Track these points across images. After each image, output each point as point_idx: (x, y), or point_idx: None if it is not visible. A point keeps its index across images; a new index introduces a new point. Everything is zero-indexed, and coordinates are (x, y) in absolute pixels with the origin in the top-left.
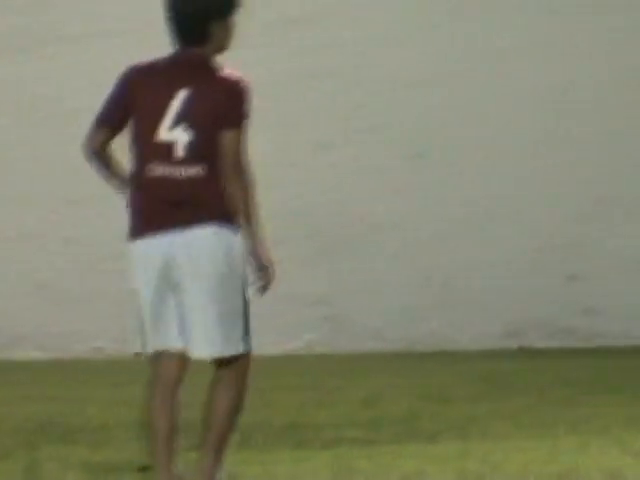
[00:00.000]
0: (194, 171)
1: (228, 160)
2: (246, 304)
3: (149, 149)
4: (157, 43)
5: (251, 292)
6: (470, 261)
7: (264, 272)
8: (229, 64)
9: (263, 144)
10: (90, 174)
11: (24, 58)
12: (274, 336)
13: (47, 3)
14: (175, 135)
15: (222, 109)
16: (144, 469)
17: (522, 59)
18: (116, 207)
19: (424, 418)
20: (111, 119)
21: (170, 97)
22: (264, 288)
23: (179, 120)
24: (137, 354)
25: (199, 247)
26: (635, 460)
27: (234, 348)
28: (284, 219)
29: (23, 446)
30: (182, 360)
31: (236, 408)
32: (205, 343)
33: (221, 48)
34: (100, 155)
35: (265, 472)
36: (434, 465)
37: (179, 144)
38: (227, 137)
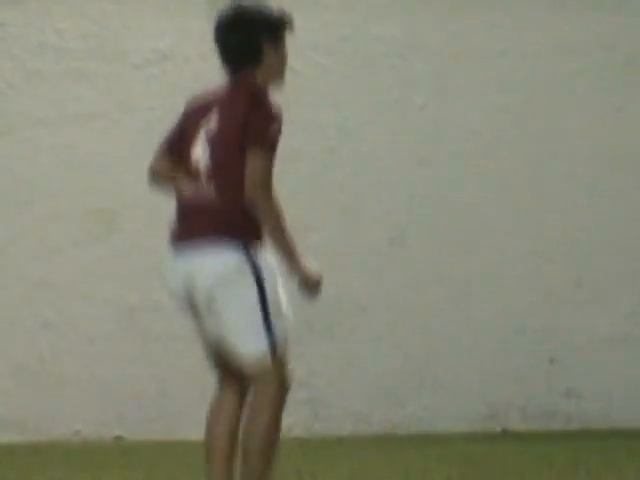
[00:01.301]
0: (208, 191)
1: (246, 183)
2: (265, 309)
3: (187, 167)
4: (130, 126)
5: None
6: (450, 343)
7: (304, 288)
8: None
9: None
10: (67, 257)
11: (3, 139)
12: None
13: (21, 87)
14: (203, 153)
15: (242, 127)
16: None
17: (500, 142)
18: (94, 291)
19: None
20: (169, 143)
21: (206, 118)
22: (310, 297)
23: (208, 138)
24: (116, 438)
25: (201, 277)
26: None
27: (254, 346)
28: None
29: None
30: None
31: (266, 437)
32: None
33: (274, 76)
34: (158, 176)
35: None
36: None
37: (203, 163)
38: (250, 159)
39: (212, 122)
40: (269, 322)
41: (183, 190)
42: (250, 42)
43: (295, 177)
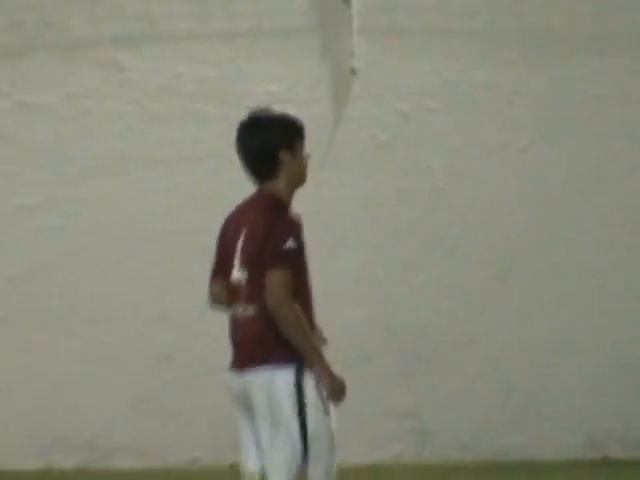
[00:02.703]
0: (249, 311)
1: (266, 299)
2: (304, 433)
3: (229, 289)
4: (238, 166)
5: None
6: (552, 376)
7: (330, 394)
8: (318, 185)
9: (353, 264)
10: (185, 291)
11: (122, 180)
12: (364, 447)
13: (140, 129)
14: (240, 275)
15: (263, 247)
16: None
17: (600, 185)
18: (209, 326)
19: None
20: (215, 268)
21: (237, 237)
22: (336, 403)
23: (241, 260)
24: (231, 466)
25: (250, 393)
26: None
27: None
28: (372, 337)
29: None
30: None
31: None
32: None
33: (295, 181)
34: (218, 304)
35: None
36: None
37: (242, 284)
38: (267, 277)
39: (242, 243)
40: (307, 450)
41: (232, 312)
42: (267, 155)
43: (405, 218)
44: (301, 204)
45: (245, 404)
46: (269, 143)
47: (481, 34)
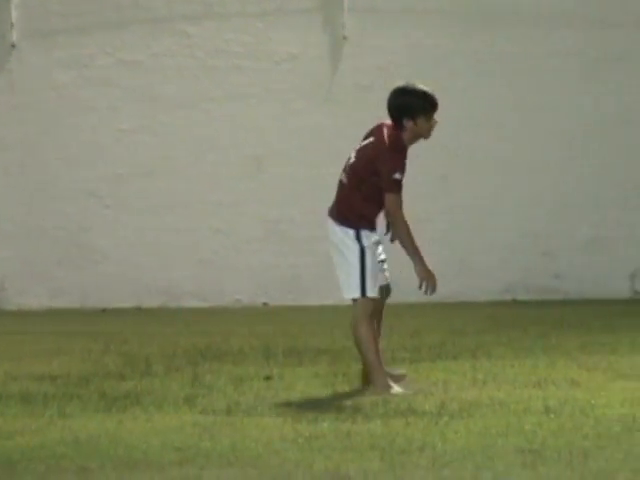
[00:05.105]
0: (344, 179)
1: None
2: (362, 267)
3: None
4: (273, 102)
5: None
6: (480, 242)
7: (423, 282)
8: (322, 113)
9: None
10: (230, 187)
11: (191, 110)
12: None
13: (200, 77)
14: (349, 162)
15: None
16: (267, 378)
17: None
18: (248, 209)
19: (449, 345)
20: None
21: (367, 138)
22: (429, 291)
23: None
24: (264, 304)
25: (331, 235)
26: (588, 373)
27: (352, 293)
28: None
29: (190, 363)
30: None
31: (356, 334)
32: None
33: (414, 138)
34: None
35: (347, 379)
36: (455, 375)
37: (349, 162)
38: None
39: (366, 143)
40: (364, 278)
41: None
42: (395, 117)
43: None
44: (305, 130)
45: (331, 242)
46: (398, 109)
47: (431, 12)
